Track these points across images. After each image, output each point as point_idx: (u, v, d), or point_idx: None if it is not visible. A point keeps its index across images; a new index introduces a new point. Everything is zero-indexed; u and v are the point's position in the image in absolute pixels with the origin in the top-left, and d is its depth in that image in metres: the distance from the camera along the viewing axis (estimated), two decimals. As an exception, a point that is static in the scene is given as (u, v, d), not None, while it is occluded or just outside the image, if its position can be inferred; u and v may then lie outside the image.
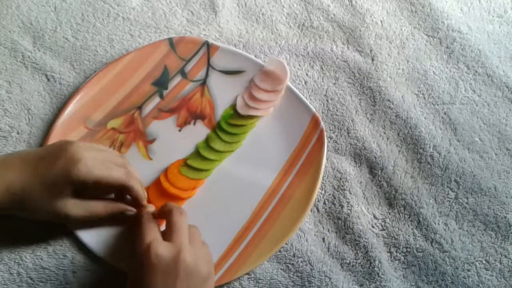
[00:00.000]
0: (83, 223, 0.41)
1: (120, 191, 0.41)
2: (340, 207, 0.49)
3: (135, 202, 0.41)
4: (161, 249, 0.34)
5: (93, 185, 0.37)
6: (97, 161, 0.37)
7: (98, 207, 0.40)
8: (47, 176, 0.36)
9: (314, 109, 0.51)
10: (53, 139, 0.48)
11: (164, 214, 0.39)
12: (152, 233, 0.36)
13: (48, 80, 0.52)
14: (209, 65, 0.53)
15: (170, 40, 0.54)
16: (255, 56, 0.56)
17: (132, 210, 0.42)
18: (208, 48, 0.54)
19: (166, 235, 0.36)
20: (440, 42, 0.59)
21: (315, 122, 0.50)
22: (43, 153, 0.38)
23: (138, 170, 0.47)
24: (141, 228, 0.37)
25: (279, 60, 0.53)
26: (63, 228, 0.45)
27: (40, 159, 0.37)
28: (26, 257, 0.45)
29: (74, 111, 0.49)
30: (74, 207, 0.38)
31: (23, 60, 0.53)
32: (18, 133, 0.49)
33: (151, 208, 0.43)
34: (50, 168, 0.36)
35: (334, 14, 0.59)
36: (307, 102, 0.51)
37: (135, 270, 0.35)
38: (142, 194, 0.41)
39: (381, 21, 0.60)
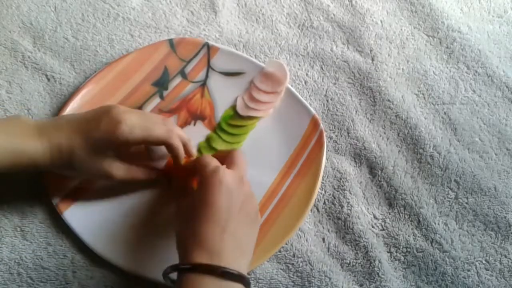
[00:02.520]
0: (125, 182, 0.43)
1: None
2: (340, 207, 0.49)
3: (174, 160, 0.43)
4: (227, 173, 0.37)
5: (135, 145, 0.40)
6: (138, 122, 0.39)
7: (138, 172, 0.42)
8: (92, 137, 0.38)
9: (313, 111, 0.51)
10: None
11: (223, 155, 0.43)
12: (215, 161, 0.40)
13: (48, 80, 0.52)
14: (209, 66, 0.53)
15: (170, 41, 0.54)
16: (255, 56, 0.56)
17: (163, 177, 0.45)
18: (208, 49, 0.54)
19: (228, 166, 0.40)
20: (440, 42, 0.59)
21: (314, 123, 0.50)
22: (88, 116, 0.40)
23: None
24: (202, 159, 0.40)
25: (279, 62, 0.53)
26: (63, 228, 0.45)
27: (85, 122, 0.39)
28: (26, 257, 0.45)
29: (74, 111, 0.49)
30: (118, 169, 0.40)
31: (23, 60, 0.53)
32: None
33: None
34: (94, 129, 0.38)
35: (334, 14, 0.59)
36: (307, 103, 0.51)
37: (200, 188, 0.37)
38: (182, 153, 0.42)
39: (381, 21, 0.60)
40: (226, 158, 0.44)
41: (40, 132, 0.39)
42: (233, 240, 0.35)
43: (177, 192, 0.44)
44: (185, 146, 0.43)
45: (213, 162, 0.39)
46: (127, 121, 0.39)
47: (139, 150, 0.46)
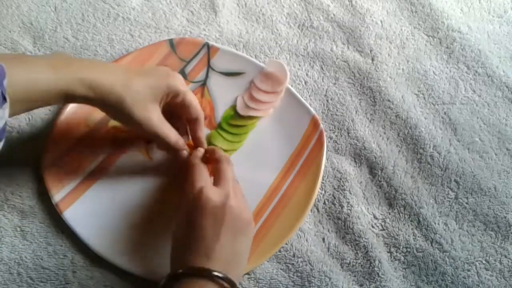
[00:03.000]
0: (152, 139, 0.46)
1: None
2: (340, 207, 0.49)
3: (199, 139, 0.46)
4: (211, 193, 0.38)
5: (179, 102, 0.43)
6: (187, 87, 0.44)
7: (171, 131, 0.43)
8: (150, 79, 0.41)
9: (313, 111, 0.51)
10: (54, 139, 0.48)
11: (212, 160, 0.44)
12: (203, 178, 0.40)
13: (48, 80, 0.52)
14: (209, 66, 0.53)
15: (170, 41, 0.54)
16: (255, 56, 0.56)
17: (187, 150, 0.46)
18: (208, 49, 0.54)
19: (215, 182, 0.41)
20: (440, 42, 0.59)
21: (314, 123, 0.50)
22: (143, 67, 0.44)
23: (138, 169, 0.48)
24: (193, 172, 0.41)
25: (279, 62, 0.53)
26: (63, 228, 0.45)
27: (145, 70, 0.43)
28: (26, 257, 0.45)
29: (74, 111, 0.49)
30: (158, 118, 0.42)
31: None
32: (18, 133, 0.49)
33: (200, 152, 0.45)
34: (153, 74, 0.42)
35: (334, 14, 0.59)
36: (307, 104, 0.51)
37: (185, 211, 0.39)
38: (204, 135, 0.46)
39: (381, 21, 0.60)
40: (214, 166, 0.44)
41: (101, 65, 0.41)
42: (221, 259, 0.36)
43: (181, 188, 0.45)
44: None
45: (198, 182, 0.39)
46: (180, 78, 0.43)
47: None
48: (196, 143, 0.47)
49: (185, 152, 0.45)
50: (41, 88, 0.36)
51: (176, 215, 0.41)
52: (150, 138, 0.47)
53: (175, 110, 0.45)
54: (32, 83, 0.36)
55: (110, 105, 0.39)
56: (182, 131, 0.47)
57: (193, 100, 0.44)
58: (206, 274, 0.35)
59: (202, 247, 0.36)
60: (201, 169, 0.42)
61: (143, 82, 0.40)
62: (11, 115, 0.36)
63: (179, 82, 0.42)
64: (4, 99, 0.34)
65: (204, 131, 0.46)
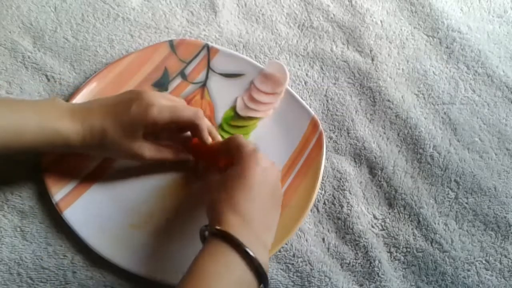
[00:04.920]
0: (154, 163, 0.45)
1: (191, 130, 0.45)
2: (340, 207, 0.49)
3: (200, 140, 0.44)
4: (263, 156, 0.40)
5: (164, 127, 0.41)
6: (167, 104, 0.42)
7: (167, 152, 0.44)
8: (123, 120, 0.40)
9: (313, 112, 0.51)
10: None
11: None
12: (251, 143, 0.42)
13: (48, 80, 0.52)
14: (209, 67, 0.53)
15: (170, 42, 0.54)
16: (255, 57, 0.56)
17: (192, 160, 0.46)
18: (208, 50, 0.54)
19: None
20: (440, 42, 0.59)
21: (314, 124, 0.50)
22: (118, 100, 0.42)
23: (138, 169, 0.48)
24: (239, 138, 0.41)
25: (279, 63, 0.53)
26: (63, 228, 0.45)
27: (116, 105, 0.41)
28: (26, 257, 0.45)
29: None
30: (148, 149, 0.42)
31: (23, 61, 0.53)
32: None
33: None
34: (126, 111, 0.40)
35: (334, 14, 0.59)
36: (306, 105, 0.51)
37: (240, 164, 0.39)
38: (207, 135, 0.44)
39: (381, 21, 0.60)
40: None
41: (73, 114, 0.41)
42: (262, 213, 0.38)
43: (204, 172, 0.46)
44: (209, 130, 0.45)
45: (250, 144, 0.41)
46: (156, 104, 0.41)
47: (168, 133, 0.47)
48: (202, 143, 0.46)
49: (191, 162, 0.47)
50: (24, 137, 0.38)
51: (209, 186, 0.42)
52: None
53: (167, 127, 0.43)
54: (15, 131, 0.38)
55: (94, 151, 0.42)
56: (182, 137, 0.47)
57: (176, 114, 0.41)
58: (239, 248, 0.34)
59: (250, 198, 0.37)
60: (243, 137, 0.43)
61: (117, 124, 0.40)
62: None
63: (154, 114, 0.40)
64: None
65: (205, 133, 0.44)
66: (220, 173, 0.44)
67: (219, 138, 0.47)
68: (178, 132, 0.47)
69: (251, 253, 0.34)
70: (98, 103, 0.43)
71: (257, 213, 0.37)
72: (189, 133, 0.46)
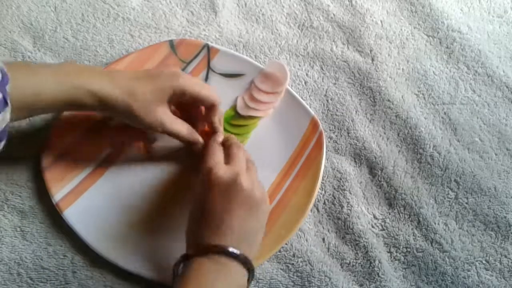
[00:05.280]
0: (166, 134, 0.45)
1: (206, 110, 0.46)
2: (340, 207, 0.49)
3: (213, 124, 0.46)
4: (222, 171, 0.39)
5: (188, 98, 0.43)
6: (193, 79, 0.44)
7: (183, 127, 0.45)
8: (153, 83, 0.42)
9: (313, 112, 0.51)
10: (53, 138, 0.48)
11: (225, 146, 0.44)
12: (216, 157, 0.41)
13: (48, 80, 0.52)
14: (209, 67, 0.53)
15: (171, 42, 0.54)
16: (255, 57, 0.56)
17: (201, 143, 0.46)
18: (209, 51, 0.54)
19: (226, 162, 0.42)
20: (440, 42, 0.59)
21: (314, 124, 0.50)
22: (150, 71, 0.44)
23: (138, 169, 0.48)
24: (207, 152, 0.42)
25: (280, 62, 0.53)
26: (63, 228, 0.45)
27: (146, 71, 0.43)
28: (26, 257, 0.45)
29: (74, 111, 0.49)
30: (168, 118, 0.43)
31: (23, 60, 0.53)
32: (18, 132, 0.49)
33: (220, 137, 0.46)
34: (156, 77, 0.42)
35: (334, 14, 0.59)
36: (306, 105, 0.51)
37: (198, 190, 0.40)
38: (218, 122, 0.46)
39: (381, 21, 0.60)
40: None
41: (106, 74, 0.41)
42: (232, 235, 0.37)
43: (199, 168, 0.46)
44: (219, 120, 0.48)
45: (210, 162, 0.40)
46: (185, 76, 0.43)
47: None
48: (212, 129, 0.47)
49: (199, 145, 0.46)
50: (47, 97, 0.38)
51: (193, 195, 0.42)
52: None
53: (189, 102, 0.45)
54: (39, 91, 0.38)
55: (119, 112, 0.41)
56: (197, 118, 0.48)
57: (203, 91, 0.44)
58: (218, 250, 0.36)
59: (213, 222, 0.37)
60: (215, 149, 0.43)
61: (148, 88, 0.41)
62: (15, 119, 0.37)
63: (184, 82, 0.42)
64: (6, 103, 0.35)
65: (220, 117, 0.46)
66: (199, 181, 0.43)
67: (221, 131, 0.47)
68: (192, 112, 0.48)
69: (231, 249, 0.35)
70: (131, 71, 0.44)
71: (226, 242, 0.37)
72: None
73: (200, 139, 0.46)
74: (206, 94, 0.44)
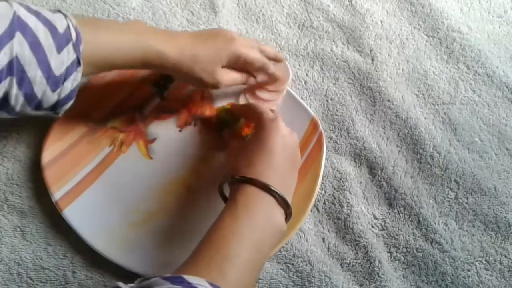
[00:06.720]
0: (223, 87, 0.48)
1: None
2: (340, 207, 0.49)
3: (271, 78, 0.50)
4: (283, 125, 0.43)
5: (243, 61, 0.46)
6: (246, 42, 0.47)
7: (237, 76, 0.48)
8: (214, 45, 0.44)
9: (313, 113, 0.51)
10: (53, 138, 0.48)
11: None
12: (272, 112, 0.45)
13: (48, 80, 0.52)
14: None
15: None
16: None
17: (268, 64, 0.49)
18: None
19: None
20: (440, 42, 0.59)
21: (314, 125, 0.50)
22: (207, 33, 0.46)
23: (138, 169, 0.48)
24: (261, 109, 0.44)
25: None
26: (63, 228, 0.45)
27: (205, 35, 0.45)
28: (26, 257, 0.45)
29: (74, 110, 0.49)
30: (224, 75, 0.46)
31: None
32: (17, 133, 0.49)
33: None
34: (214, 41, 0.45)
35: (334, 14, 0.59)
36: (306, 105, 0.51)
37: (260, 131, 0.42)
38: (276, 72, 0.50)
39: (381, 21, 0.60)
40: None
41: (167, 35, 0.44)
42: (281, 177, 0.40)
43: (228, 139, 0.48)
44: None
45: (270, 112, 0.44)
46: (239, 39, 0.46)
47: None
48: (272, 80, 0.50)
49: (268, 65, 0.49)
50: (122, 53, 0.40)
51: (231, 151, 0.45)
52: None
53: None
54: (114, 48, 0.40)
55: (182, 72, 0.44)
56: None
57: (254, 57, 0.47)
58: (265, 188, 0.38)
59: (269, 166, 0.39)
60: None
61: (208, 50, 0.44)
62: (86, 75, 0.39)
63: (239, 47, 0.45)
64: (79, 63, 0.37)
65: (272, 65, 0.49)
66: (242, 140, 0.47)
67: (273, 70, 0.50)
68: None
69: (277, 190, 0.38)
70: (187, 33, 0.46)
71: (275, 176, 0.39)
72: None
73: (254, 80, 0.50)
74: (257, 58, 0.47)
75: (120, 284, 0.31)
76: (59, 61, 0.35)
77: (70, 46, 0.36)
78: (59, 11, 0.37)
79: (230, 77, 0.47)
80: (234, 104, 0.49)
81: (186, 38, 0.44)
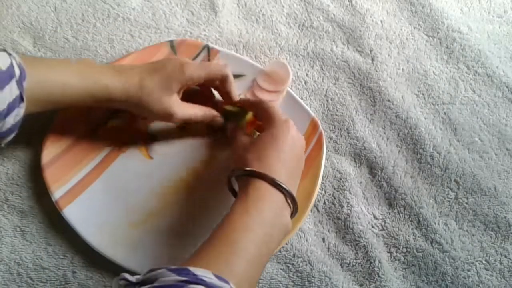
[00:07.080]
0: (181, 122, 0.47)
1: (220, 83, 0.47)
2: (340, 207, 0.49)
3: (228, 95, 0.48)
4: (294, 126, 0.44)
5: (197, 82, 0.45)
6: (198, 64, 0.46)
7: (195, 109, 0.46)
8: (160, 74, 0.43)
9: (313, 113, 0.51)
10: (53, 138, 0.48)
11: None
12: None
13: (48, 80, 0.52)
14: None
15: (171, 43, 0.54)
16: (255, 57, 0.56)
17: (220, 118, 0.49)
18: (209, 51, 0.53)
19: None
20: (440, 42, 0.59)
21: (314, 125, 0.50)
22: (155, 63, 0.45)
23: (138, 169, 0.48)
24: (273, 105, 0.45)
25: (282, 61, 0.53)
26: (63, 228, 0.45)
27: (153, 64, 0.45)
28: (26, 257, 0.45)
29: (74, 110, 0.49)
30: (179, 106, 0.45)
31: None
32: (17, 132, 0.49)
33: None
34: (163, 68, 0.44)
35: (334, 14, 0.59)
36: (306, 106, 0.51)
37: (272, 130, 0.43)
38: (235, 89, 0.48)
39: (381, 21, 0.60)
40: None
41: (114, 70, 0.43)
42: (288, 175, 0.40)
43: (232, 133, 0.48)
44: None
45: (284, 114, 0.45)
46: (190, 62, 0.45)
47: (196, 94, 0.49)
48: (226, 100, 0.48)
49: (218, 118, 0.48)
50: (68, 89, 0.40)
51: (238, 146, 0.45)
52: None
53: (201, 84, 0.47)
54: (61, 83, 0.40)
55: (131, 105, 0.43)
56: (207, 94, 0.50)
57: (211, 72, 0.45)
58: (275, 184, 0.39)
59: (278, 158, 0.40)
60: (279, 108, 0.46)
61: (156, 80, 0.43)
62: (33, 111, 0.40)
63: (189, 71, 0.44)
64: (22, 99, 0.38)
65: (234, 86, 0.47)
66: (250, 137, 0.46)
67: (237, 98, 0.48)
68: (209, 92, 0.50)
69: (286, 187, 0.39)
70: (135, 65, 0.46)
71: (284, 173, 0.40)
72: (218, 96, 0.49)
73: (218, 114, 0.48)
74: (213, 69, 0.45)
75: (126, 275, 0.32)
76: (2, 98, 0.36)
77: (13, 82, 0.37)
78: (4, 50, 0.38)
79: (188, 111, 0.45)
80: (244, 99, 0.49)
81: (133, 70, 0.44)
